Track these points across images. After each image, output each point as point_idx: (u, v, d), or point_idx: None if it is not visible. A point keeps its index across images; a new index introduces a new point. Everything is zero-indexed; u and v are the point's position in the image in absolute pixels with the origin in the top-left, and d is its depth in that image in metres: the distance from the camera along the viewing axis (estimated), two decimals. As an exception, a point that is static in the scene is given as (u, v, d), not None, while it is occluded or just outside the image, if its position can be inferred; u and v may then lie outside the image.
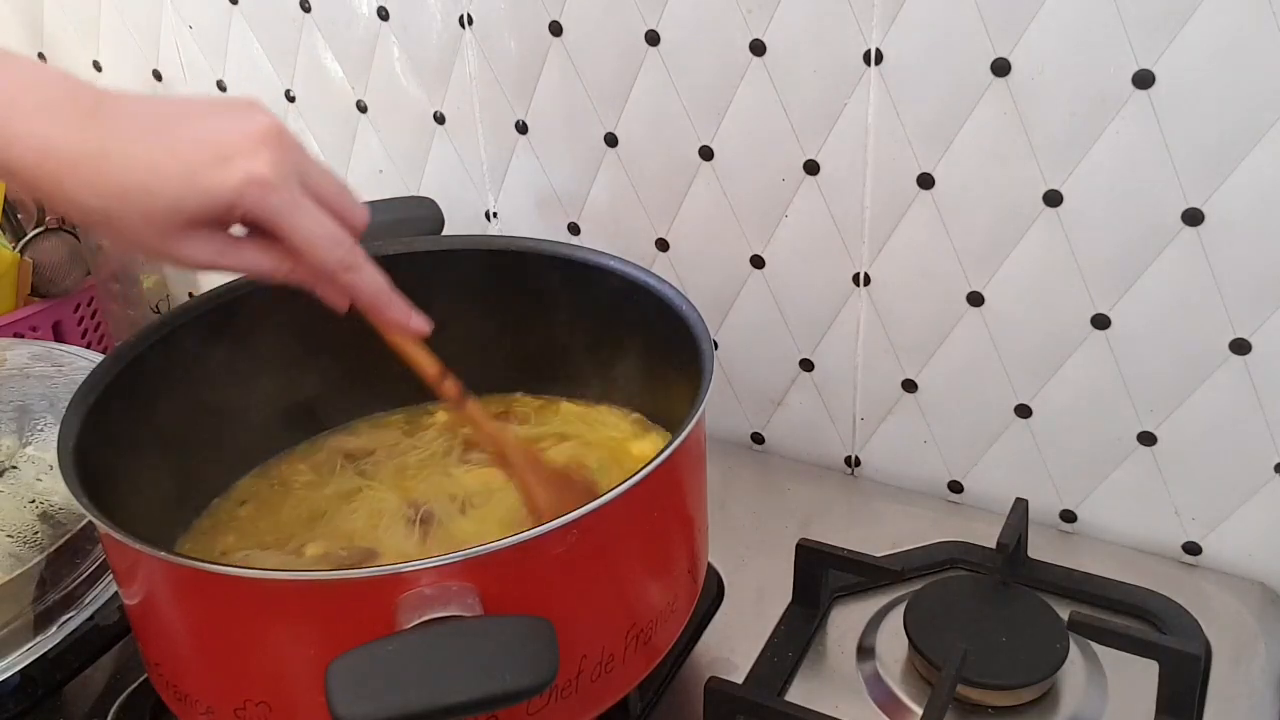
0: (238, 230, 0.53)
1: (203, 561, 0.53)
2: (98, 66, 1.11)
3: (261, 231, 0.53)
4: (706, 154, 0.81)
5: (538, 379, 0.81)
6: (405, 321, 0.58)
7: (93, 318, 1.13)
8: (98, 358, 0.79)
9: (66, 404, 0.62)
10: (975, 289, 0.75)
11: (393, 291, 0.57)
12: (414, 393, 0.81)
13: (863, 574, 0.73)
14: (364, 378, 0.81)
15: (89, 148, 0.49)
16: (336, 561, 0.67)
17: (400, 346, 0.60)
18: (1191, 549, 0.76)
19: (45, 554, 0.67)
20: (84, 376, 0.64)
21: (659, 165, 0.83)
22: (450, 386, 0.62)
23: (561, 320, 0.77)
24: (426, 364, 0.60)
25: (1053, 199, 0.70)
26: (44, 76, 0.51)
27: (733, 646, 0.71)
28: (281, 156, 0.51)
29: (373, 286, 0.56)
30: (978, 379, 0.78)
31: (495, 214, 0.94)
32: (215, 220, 0.51)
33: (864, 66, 0.72)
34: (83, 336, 1.12)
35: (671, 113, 0.80)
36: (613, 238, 0.88)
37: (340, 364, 0.79)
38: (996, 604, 0.69)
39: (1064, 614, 0.66)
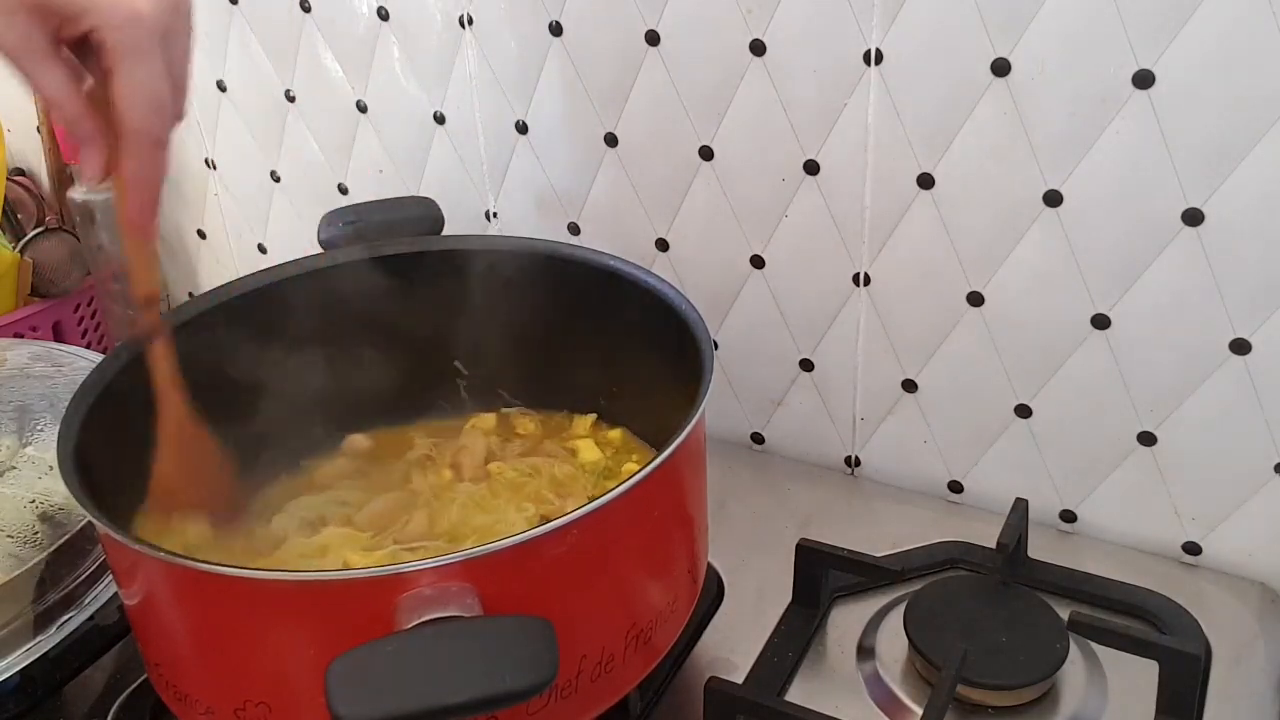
0: None
1: (203, 561, 0.53)
2: (98, 66, 1.11)
3: (81, 63, 0.49)
4: (706, 154, 0.81)
5: (537, 379, 0.81)
6: (149, 221, 0.55)
7: (93, 318, 1.13)
8: (98, 358, 0.79)
9: (66, 404, 0.62)
10: (975, 289, 0.75)
11: (158, 193, 0.54)
12: (414, 392, 0.82)
13: (863, 574, 0.73)
14: (364, 378, 0.81)
15: None
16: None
17: (127, 248, 0.57)
18: (1191, 549, 0.76)
19: (45, 554, 0.67)
20: (84, 376, 0.64)
21: (659, 165, 0.83)
22: (153, 315, 0.59)
23: (561, 320, 0.77)
24: (145, 278, 0.58)
25: (1053, 199, 0.70)
26: None
27: (733, 646, 0.71)
28: (168, 9, 0.49)
29: (149, 173, 0.53)
30: (978, 379, 0.78)
31: (495, 214, 0.94)
32: (56, 14, 0.48)
33: (864, 66, 0.72)
34: (83, 336, 1.12)
35: (671, 113, 0.80)
36: (613, 238, 0.88)
37: (340, 364, 0.79)
38: (996, 604, 0.69)
39: (1064, 614, 0.66)
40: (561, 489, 0.72)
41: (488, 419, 0.80)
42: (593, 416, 0.79)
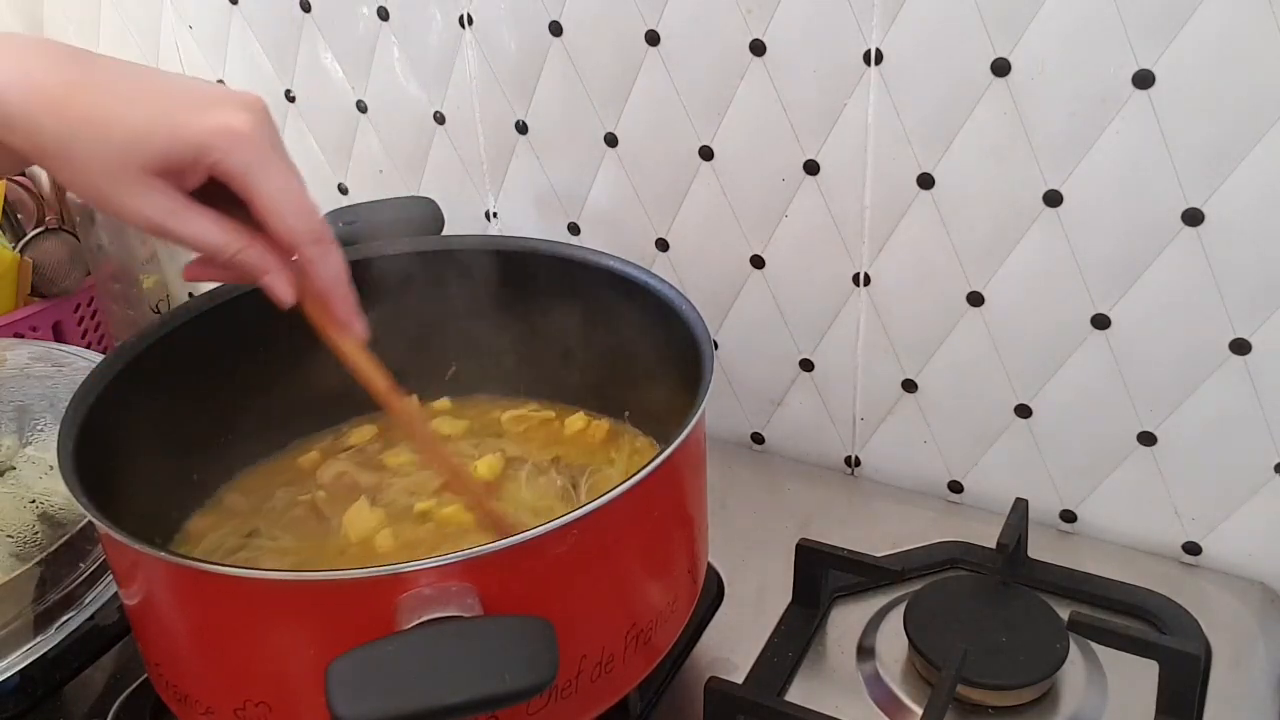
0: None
1: (203, 561, 0.53)
2: (98, 66, 1.11)
3: (222, 202, 0.50)
4: (706, 154, 0.81)
5: (537, 379, 0.81)
6: (351, 320, 0.55)
7: (93, 318, 1.13)
8: (98, 358, 0.79)
9: (66, 404, 0.62)
10: (975, 289, 0.75)
11: (350, 289, 0.54)
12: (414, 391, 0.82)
13: (863, 574, 0.73)
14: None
15: (69, 76, 0.47)
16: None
17: (343, 351, 0.56)
18: (1191, 549, 0.76)
19: (45, 554, 0.67)
20: (84, 376, 0.64)
21: (659, 165, 0.83)
22: (397, 399, 0.58)
23: (561, 320, 0.77)
24: (373, 372, 0.57)
25: (1053, 199, 0.70)
26: (36, 39, 0.49)
27: (733, 646, 0.71)
28: (262, 119, 0.49)
29: (334, 272, 0.53)
30: (978, 379, 0.78)
31: (495, 214, 0.94)
32: (178, 171, 0.49)
33: (864, 66, 0.72)
34: (83, 336, 1.12)
35: (671, 113, 0.80)
36: (613, 238, 0.88)
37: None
38: (996, 604, 0.69)
39: (1064, 614, 0.66)
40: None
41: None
42: (580, 414, 0.79)
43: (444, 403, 0.81)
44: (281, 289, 0.53)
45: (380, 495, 0.72)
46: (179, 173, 0.49)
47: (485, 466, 0.72)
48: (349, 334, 0.56)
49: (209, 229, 0.51)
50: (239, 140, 0.48)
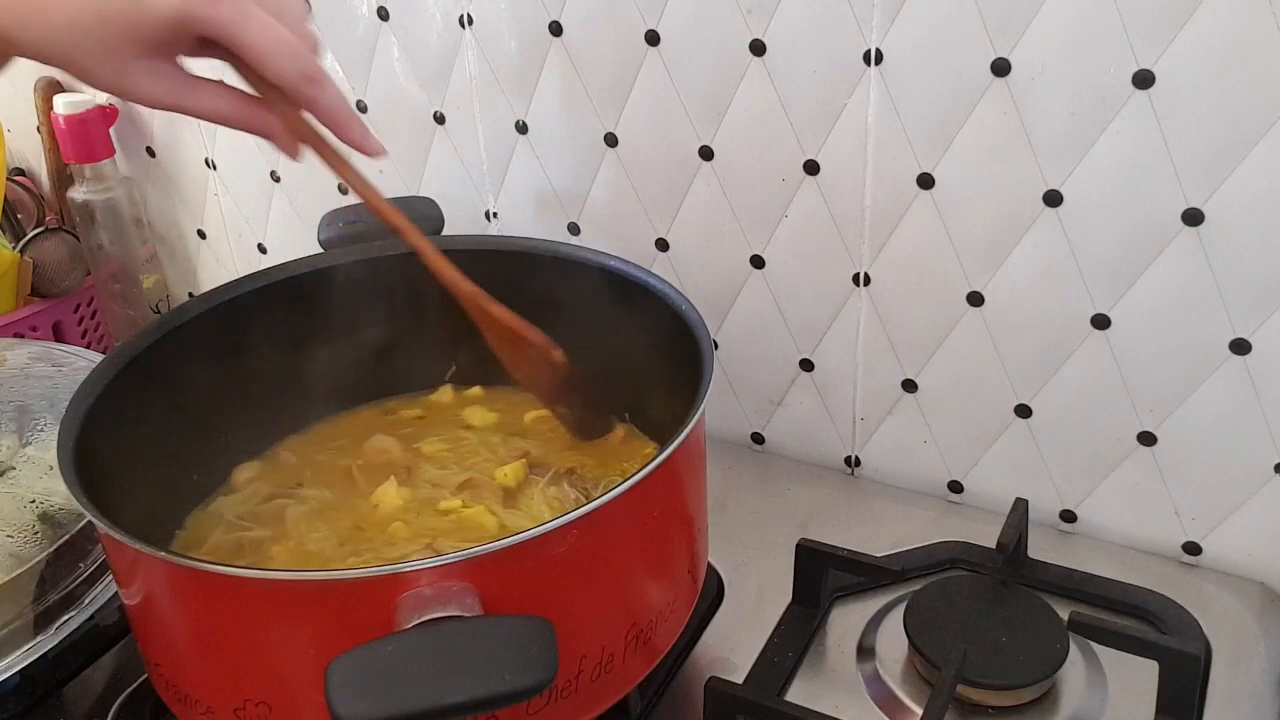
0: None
1: (203, 561, 0.53)
2: (98, 66, 1.11)
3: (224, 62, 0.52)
4: (706, 154, 0.81)
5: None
6: (364, 140, 0.57)
7: (93, 318, 1.13)
8: (98, 358, 0.79)
9: (66, 404, 0.62)
10: (975, 289, 0.75)
11: (353, 109, 0.56)
12: (414, 391, 0.83)
13: (863, 574, 0.73)
14: (362, 377, 0.81)
15: None
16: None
17: (359, 189, 0.60)
18: (1191, 549, 0.76)
19: (45, 554, 0.67)
20: (84, 376, 0.64)
21: (659, 165, 0.83)
22: (412, 229, 0.62)
23: (561, 320, 0.77)
24: (386, 207, 0.61)
25: (1053, 199, 0.70)
26: None
27: (733, 646, 0.71)
28: None
29: (335, 101, 0.54)
30: (978, 379, 0.78)
31: (495, 214, 0.94)
32: (169, 46, 0.50)
33: (864, 66, 0.72)
34: (83, 336, 1.12)
35: (671, 113, 0.80)
36: (613, 238, 0.88)
37: (339, 363, 0.79)
38: (996, 604, 0.69)
39: (1064, 614, 0.66)
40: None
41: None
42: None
43: (477, 391, 0.82)
44: (286, 145, 0.56)
45: (411, 479, 0.74)
46: (172, 46, 0.51)
47: (510, 474, 0.72)
48: (366, 153, 0.57)
49: (214, 99, 0.53)
50: (209, 3, 0.49)
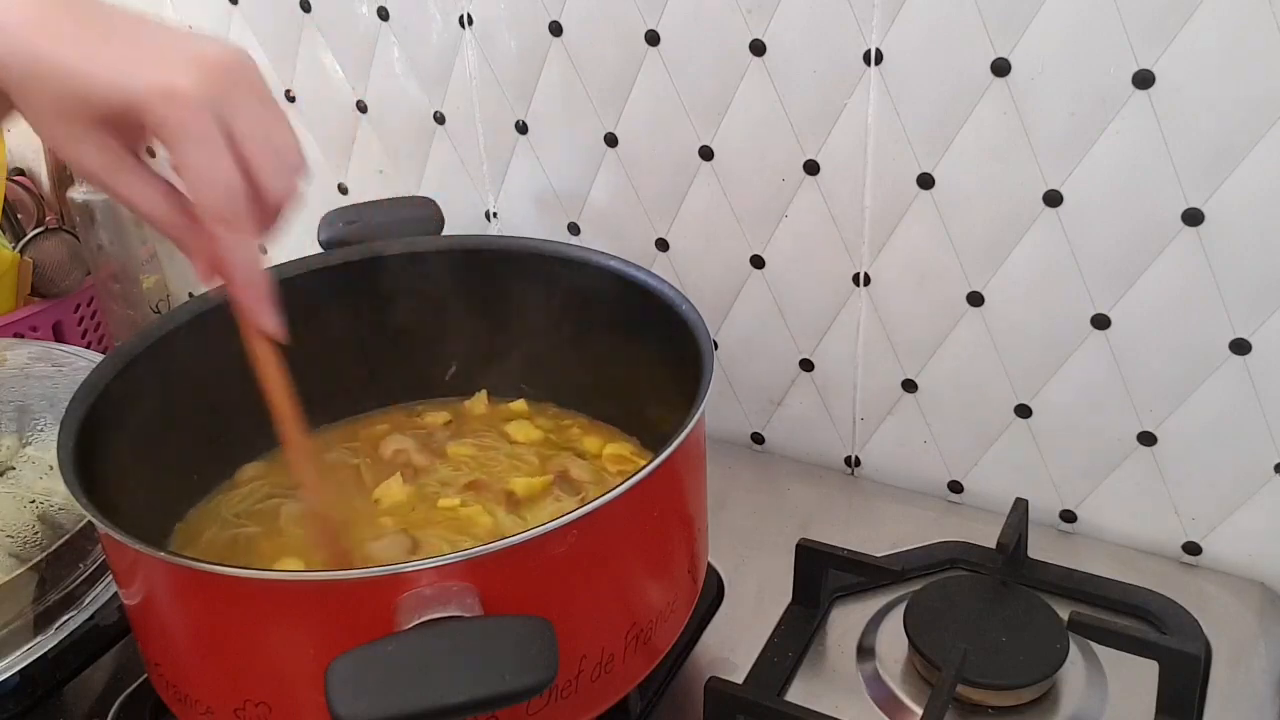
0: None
1: (203, 561, 0.53)
2: (98, 66, 1.11)
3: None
4: (706, 154, 0.81)
5: (536, 379, 0.81)
6: (262, 316, 0.53)
7: (93, 318, 1.13)
8: (98, 358, 0.79)
9: (66, 404, 0.62)
10: (975, 289, 0.75)
11: (265, 281, 0.52)
12: (414, 391, 0.83)
13: (863, 574, 0.73)
14: (363, 376, 0.81)
15: (45, 14, 0.47)
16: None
17: (255, 357, 0.55)
18: (1191, 549, 0.76)
19: (45, 554, 0.67)
20: (84, 376, 0.64)
21: (659, 165, 0.83)
22: (292, 426, 0.56)
23: (561, 320, 0.77)
24: (279, 391, 0.55)
25: (1053, 199, 0.70)
26: None
27: (733, 646, 0.71)
28: (213, 82, 0.47)
29: (244, 263, 0.51)
30: (978, 379, 0.78)
31: (495, 214, 0.94)
32: (121, 126, 0.48)
33: (864, 66, 0.72)
34: (83, 336, 1.12)
35: (671, 113, 0.80)
36: (613, 238, 0.88)
37: (339, 364, 0.79)
38: (996, 604, 0.69)
39: (1064, 614, 0.66)
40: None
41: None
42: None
43: (520, 405, 0.81)
44: (201, 270, 0.52)
45: (418, 477, 0.74)
46: (130, 129, 0.48)
47: (527, 486, 0.71)
48: (259, 329, 0.53)
49: (145, 193, 0.50)
50: (172, 104, 0.46)
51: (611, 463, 0.75)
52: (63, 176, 1.12)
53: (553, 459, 0.75)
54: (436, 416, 0.80)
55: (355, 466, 0.76)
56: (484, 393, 0.81)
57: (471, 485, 0.72)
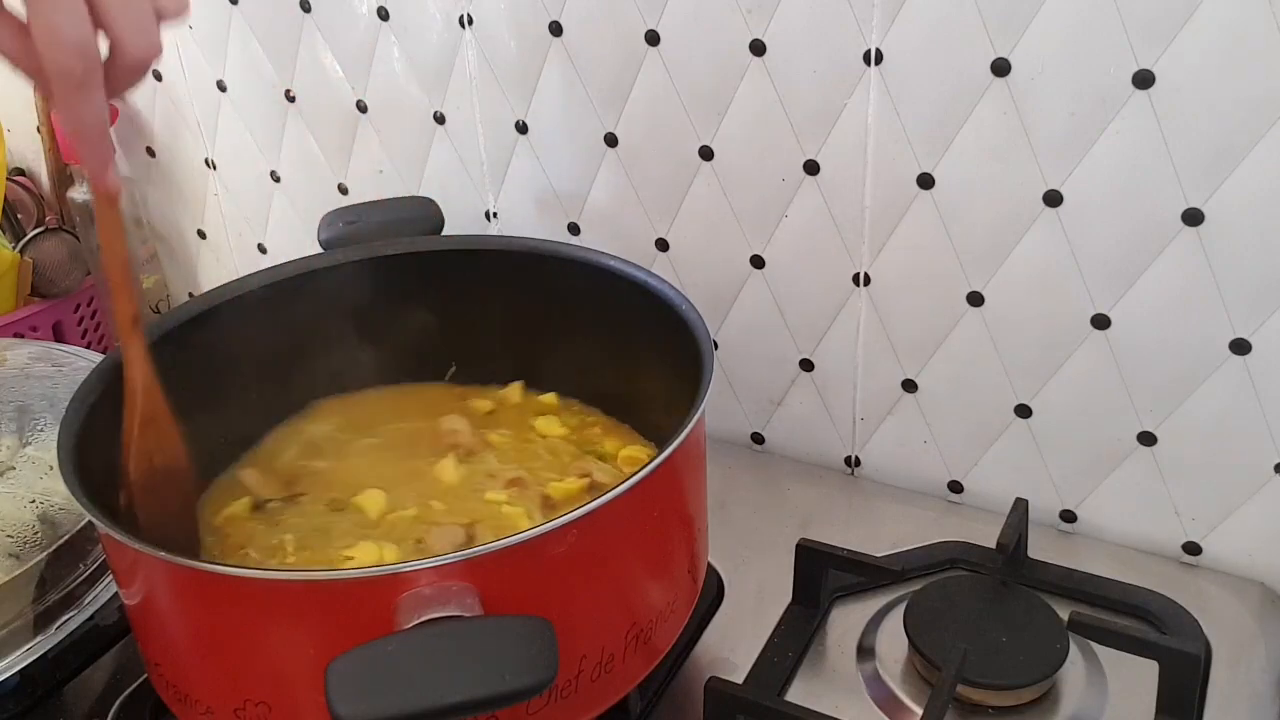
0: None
1: (203, 561, 0.53)
2: (98, 66, 1.11)
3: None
4: (706, 154, 0.81)
5: (536, 379, 0.81)
6: (99, 171, 0.51)
7: (93, 318, 1.13)
8: (98, 358, 0.79)
9: (66, 404, 0.62)
10: (975, 289, 0.75)
11: (109, 141, 0.50)
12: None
13: (863, 574, 0.73)
14: (363, 378, 0.81)
15: None
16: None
17: (102, 226, 0.54)
18: (1191, 549, 0.76)
19: (45, 554, 0.67)
20: (84, 376, 0.64)
21: (659, 165, 0.83)
22: (123, 296, 0.56)
23: (561, 320, 0.77)
24: (117, 255, 0.55)
25: (1053, 199, 0.70)
26: None
27: (733, 646, 0.71)
28: None
29: (91, 122, 0.49)
30: (978, 379, 0.78)
31: (495, 214, 0.94)
32: None
33: (864, 66, 0.72)
34: (83, 336, 1.12)
35: (671, 113, 0.80)
36: (613, 238, 0.88)
37: (339, 364, 0.79)
38: (996, 604, 0.69)
39: (1064, 614, 0.66)
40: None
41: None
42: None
43: (551, 398, 0.80)
44: (55, 115, 0.50)
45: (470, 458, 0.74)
46: None
47: (563, 490, 0.71)
48: (99, 186, 0.52)
49: None
50: None
51: (627, 465, 0.74)
52: (63, 176, 1.12)
53: (577, 461, 0.75)
54: (481, 402, 0.80)
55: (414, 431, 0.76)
56: (520, 383, 0.81)
57: (514, 482, 0.71)
